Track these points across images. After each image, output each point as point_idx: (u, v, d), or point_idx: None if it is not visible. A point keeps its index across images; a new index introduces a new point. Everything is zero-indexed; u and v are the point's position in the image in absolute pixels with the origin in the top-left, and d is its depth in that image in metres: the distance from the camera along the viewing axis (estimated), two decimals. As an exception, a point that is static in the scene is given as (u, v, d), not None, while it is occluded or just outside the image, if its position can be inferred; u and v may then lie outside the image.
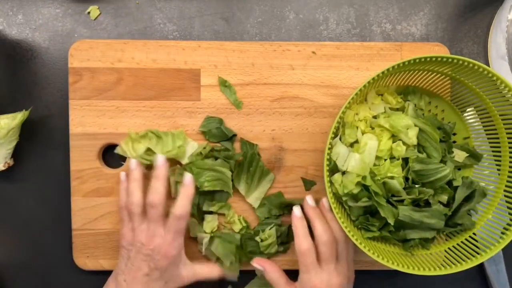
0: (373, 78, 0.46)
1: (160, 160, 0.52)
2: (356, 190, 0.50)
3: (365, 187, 0.50)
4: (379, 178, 0.49)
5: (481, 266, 0.60)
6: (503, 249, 0.58)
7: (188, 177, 0.52)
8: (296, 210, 0.52)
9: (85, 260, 0.58)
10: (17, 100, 0.58)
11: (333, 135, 0.48)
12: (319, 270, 0.49)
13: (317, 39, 0.59)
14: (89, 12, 0.59)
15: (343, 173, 0.51)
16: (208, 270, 0.54)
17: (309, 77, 0.57)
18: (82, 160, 0.57)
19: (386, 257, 0.47)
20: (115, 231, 0.57)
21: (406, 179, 0.50)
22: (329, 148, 0.48)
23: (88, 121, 0.56)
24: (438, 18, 0.60)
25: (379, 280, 0.61)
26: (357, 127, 0.52)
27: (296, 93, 0.57)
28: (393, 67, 0.46)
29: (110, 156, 0.58)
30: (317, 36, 0.59)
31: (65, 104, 0.57)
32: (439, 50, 0.57)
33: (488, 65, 0.59)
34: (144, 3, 0.59)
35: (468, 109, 0.55)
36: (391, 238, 0.51)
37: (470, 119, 0.55)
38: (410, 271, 0.46)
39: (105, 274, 0.58)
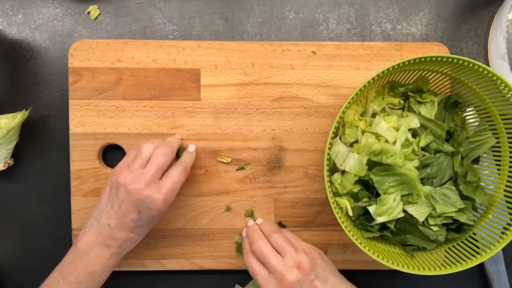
0: (373, 78, 0.46)
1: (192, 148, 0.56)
2: (356, 189, 0.50)
3: (365, 186, 0.50)
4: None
5: (481, 266, 0.60)
6: (503, 249, 0.58)
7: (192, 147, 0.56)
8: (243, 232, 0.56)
9: (85, 260, 0.58)
10: (17, 100, 0.58)
11: (333, 135, 0.48)
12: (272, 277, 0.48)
13: (317, 39, 0.59)
14: (89, 12, 0.59)
15: (343, 172, 0.51)
16: (177, 171, 0.51)
17: (309, 77, 0.57)
18: (82, 160, 0.57)
19: (386, 257, 0.47)
20: (115, 231, 0.57)
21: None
22: (329, 148, 0.48)
23: (88, 121, 0.56)
24: (438, 18, 0.60)
25: (379, 280, 0.61)
26: (357, 127, 0.52)
27: (296, 93, 0.57)
28: (393, 67, 0.46)
29: (110, 156, 0.58)
30: (317, 36, 0.59)
31: (65, 104, 0.57)
32: (439, 50, 0.57)
33: (488, 65, 0.59)
34: (144, 3, 0.59)
35: (468, 109, 0.55)
36: (392, 238, 0.51)
37: (470, 119, 0.55)
38: (410, 271, 0.46)
39: (105, 274, 0.58)
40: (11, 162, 0.57)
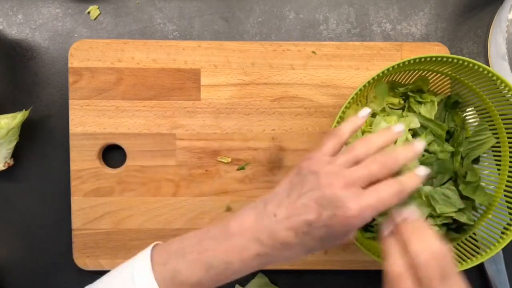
0: (373, 78, 0.46)
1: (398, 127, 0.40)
2: None
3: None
4: None
5: (481, 266, 0.60)
6: (503, 249, 0.58)
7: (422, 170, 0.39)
8: (384, 227, 0.39)
9: (85, 260, 0.58)
10: (17, 100, 0.58)
11: None
12: None
13: (317, 39, 0.59)
14: (89, 12, 0.59)
15: None
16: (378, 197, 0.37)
17: (309, 77, 0.57)
18: (82, 160, 0.57)
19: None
20: (115, 231, 0.57)
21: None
22: None
23: (88, 121, 0.56)
24: (438, 18, 0.60)
25: (379, 280, 0.60)
26: None
27: (296, 93, 0.57)
28: (393, 67, 0.46)
29: (110, 156, 0.58)
30: (317, 36, 0.59)
31: (65, 104, 0.57)
32: (439, 50, 0.57)
33: (488, 65, 0.59)
34: (144, 3, 0.59)
35: (468, 109, 0.55)
36: None
37: (470, 119, 0.55)
38: None
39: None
40: (11, 162, 0.57)
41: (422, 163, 0.50)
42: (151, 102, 0.57)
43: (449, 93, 0.55)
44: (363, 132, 0.51)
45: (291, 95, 0.57)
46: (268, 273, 0.59)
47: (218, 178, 0.58)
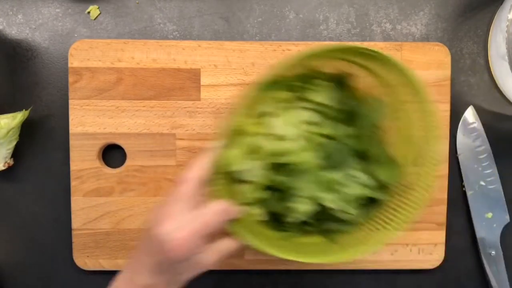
0: (259, 86, 0.44)
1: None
2: (265, 195, 0.49)
3: (274, 189, 0.49)
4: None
5: (481, 266, 0.60)
6: (503, 249, 0.58)
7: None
8: None
9: (85, 260, 0.58)
10: (17, 100, 0.58)
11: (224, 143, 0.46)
12: None
13: (317, 39, 0.59)
14: (89, 12, 0.59)
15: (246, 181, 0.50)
16: (229, 244, 0.44)
17: (309, 77, 0.57)
18: (82, 160, 0.57)
19: (276, 247, 0.46)
20: (115, 231, 0.57)
21: None
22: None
23: (88, 121, 0.56)
24: (438, 18, 0.60)
25: (379, 280, 0.61)
26: (252, 133, 0.50)
27: (296, 93, 0.57)
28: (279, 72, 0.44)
29: (110, 156, 0.58)
30: (317, 36, 0.59)
31: (65, 104, 0.57)
32: (439, 50, 0.57)
33: (488, 65, 0.59)
34: (144, 3, 0.59)
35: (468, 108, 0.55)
36: (313, 230, 0.51)
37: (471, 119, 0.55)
38: (298, 258, 0.45)
39: (105, 274, 0.58)
40: (11, 162, 0.57)
41: (326, 150, 0.49)
42: (151, 102, 0.57)
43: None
44: (257, 136, 0.49)
45: (291, 95, 0.57)
46: (269, 273, 0.59)
47: (218, 178, 0.58)
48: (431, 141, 0.47)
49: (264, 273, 0.59)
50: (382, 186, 0.51)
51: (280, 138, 0.49)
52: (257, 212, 0.50)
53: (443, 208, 0.58)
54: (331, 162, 0.49)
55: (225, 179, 0.48)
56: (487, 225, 0.58)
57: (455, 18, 0.60)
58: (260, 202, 0.50)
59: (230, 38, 0.59)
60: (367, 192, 0.50)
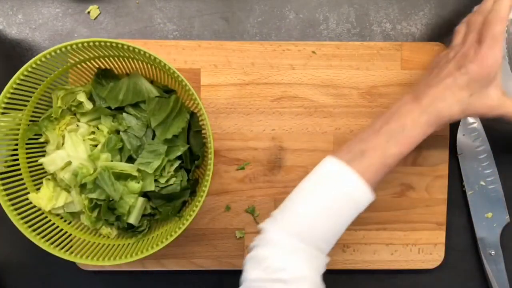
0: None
1: None
2: (94, 214, 0.51)
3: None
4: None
5: (481, 266, 0.60)
6: (503, 249, 0.58)
7: None
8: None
9: (85, 260, 0.58)
10: (17, 100, 0.58)
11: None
12: None
13: (317, 38, 0.59)
14: (89, 12, 0.59)
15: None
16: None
17: (309, 77, 0.57)
18: (82, 160, 0.57)
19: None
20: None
21: None
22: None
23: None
24: (438, 18, 0.60)
25: (379, 280, 0.60)
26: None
27: (296, 93, 0.57)
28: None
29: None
30: (317, 35, 0.59)
31: (65, 104, 0.57)
32: (439, 50, 0.57)
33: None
34: (144, 3, 0.59)
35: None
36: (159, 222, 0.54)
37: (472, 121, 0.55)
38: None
39: (105, 274, 0.58)
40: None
41: (115, 145, 0.50)
42: (151, 102, 0.57)
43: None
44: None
45: (291, 95, 0.57)
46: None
47: (218, 177, 0.58)
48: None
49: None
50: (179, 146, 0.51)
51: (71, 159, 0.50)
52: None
53: (443, 208, 0.58)
54: (131, 152, 0.50)
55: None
56: (487, 225, 0.58)
57: (455, 18, 0.60)
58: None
59: (230, 38, 0.59)
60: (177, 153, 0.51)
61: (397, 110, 0.46)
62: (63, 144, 0.51)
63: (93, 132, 0.51)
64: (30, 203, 0.49)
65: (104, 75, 0.52)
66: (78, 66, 0.51)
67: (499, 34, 0.43)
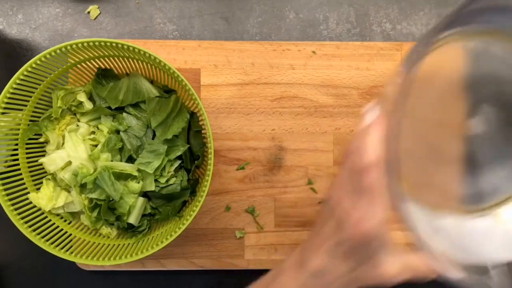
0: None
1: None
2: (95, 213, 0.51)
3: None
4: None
5: (481, 266, 0.60)
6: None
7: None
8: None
9: (85, 260, 0.58)
10: (17, 100, 0.58)
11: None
12: None
13: (317, 38, 0.59)
14: (89, 12, 0.59)
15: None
16: (426, 263, 0.34)
17: (309, 77, 0.57)
18: (82, 160, 0.57)
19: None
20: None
21: None
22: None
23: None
24: (438, 18, 0.60)
25: (379, 280, 0.60)
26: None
27: (296, 93, 0.57)
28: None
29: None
30: (317, 35, 0.59)
31: (65, 104, 0.57)
32: (439, 50, 0.57)
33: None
34: (144, 2, 0.59)
35: None
36: (158, 222, 0.53)
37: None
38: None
39: (105, 274, 0.58)
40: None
41: (116, 145, 0.50)
42: (151, 102, 0.57)
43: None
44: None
45: (291, 95, 0.57)
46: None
47: (218, 177, 0.58)
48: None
49: (264, 273, 0.59)
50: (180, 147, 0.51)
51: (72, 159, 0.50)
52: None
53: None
54: (131, 151, 0.50)
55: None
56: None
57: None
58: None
59: (230, 38, 0.59)
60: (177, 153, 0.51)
61: (276, 276, 0.37)
62: (63, 144, 0.51)
63: (93, 132, 0.51)
64: (30, 203, 0.49)
65: (104, 75, 0.52)
66: (78, 66, 0.51)
67: (376, 182, 0.31)
